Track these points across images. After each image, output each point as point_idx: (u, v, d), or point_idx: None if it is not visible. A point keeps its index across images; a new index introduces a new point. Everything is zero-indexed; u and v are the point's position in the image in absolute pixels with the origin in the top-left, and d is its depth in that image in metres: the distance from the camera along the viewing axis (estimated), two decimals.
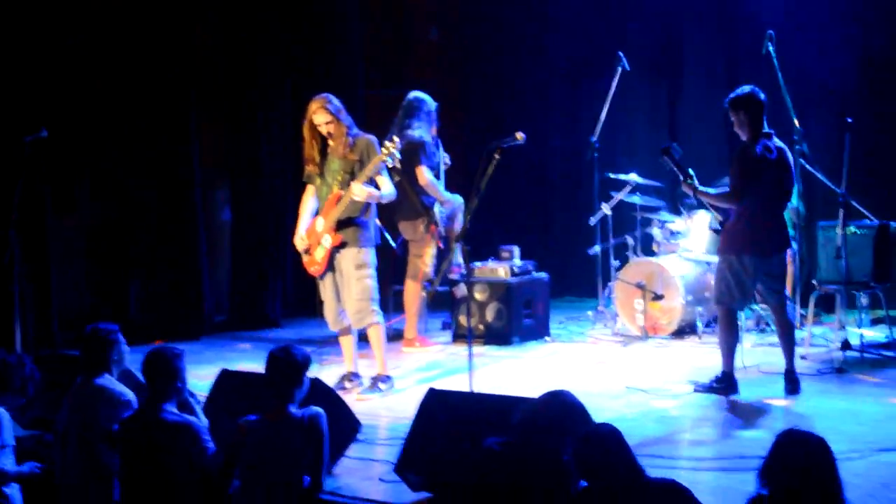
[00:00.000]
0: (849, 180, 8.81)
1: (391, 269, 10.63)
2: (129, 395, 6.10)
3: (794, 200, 9.66)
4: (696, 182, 7.80)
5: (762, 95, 7.81)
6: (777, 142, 7.79)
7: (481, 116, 13.06)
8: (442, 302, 11.02)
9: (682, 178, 7.82)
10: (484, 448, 4.98)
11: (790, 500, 4.10)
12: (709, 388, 7.88)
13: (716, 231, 8.20)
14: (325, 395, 6.18)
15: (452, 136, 10.79)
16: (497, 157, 7.23)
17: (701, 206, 8.98)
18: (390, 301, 10.62)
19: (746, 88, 7.82)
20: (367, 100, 12.27)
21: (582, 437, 4.55)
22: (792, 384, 7.79)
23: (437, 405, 5.81)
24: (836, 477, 4.11)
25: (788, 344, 7.88)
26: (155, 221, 11.36)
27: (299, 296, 12.06)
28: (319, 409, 5.58)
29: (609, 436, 4.54)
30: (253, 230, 11.97)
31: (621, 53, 10.73)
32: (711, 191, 7.90)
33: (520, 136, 7.46)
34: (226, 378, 6.80)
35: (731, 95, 7.84)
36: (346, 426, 6.32)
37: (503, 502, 4.85)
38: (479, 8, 13.52)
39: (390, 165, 8.31)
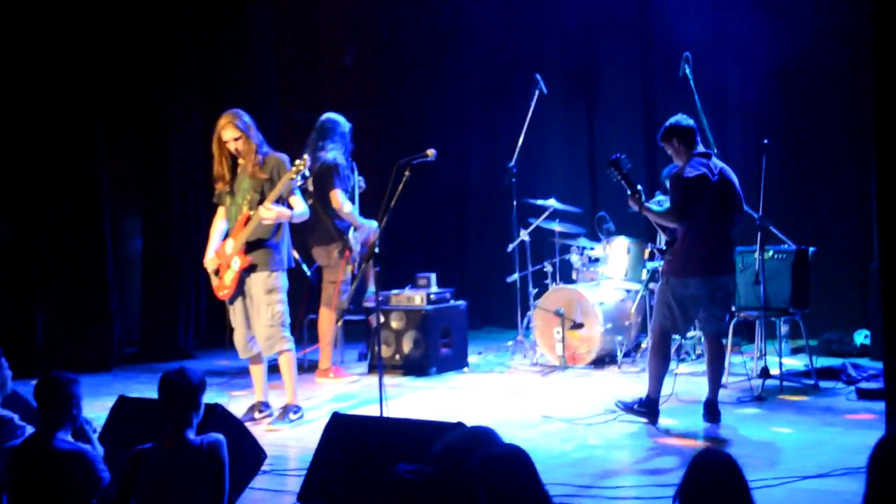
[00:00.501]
0: (766, 204, 8.71)
1: (305, 298, 10.37)
2: (13, 415, 5.81)
3: None
4: (643, 197, 7.64)
5: (689, 120, 7.73)
6: (717, 161, 7.69)
7: (398, 141, 12.86)
8: (358, 332, 10.78)
9: (629, 191, 7.64)
10: (393, 476, 4.74)
11: None
12: (630, 409, 7.70)
13: (660, 251, 8.02)
14: (226, 421, 5.89)
15: (369, 161, 10.59)
16: (407, 174, 7.05)
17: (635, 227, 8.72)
18: (304, 331, 10.33)
19: (673, 118, 7.74)
20: (282, 124, 12.07)
21: (487, 457, 4.33)
22: (712, 414, 7.63)
23: (343, 430, 5.55)
24: (749, 498, 3.95)
25: (716, 374, 7.76)
26: (61, 247, 11.04)
27: (212, 326, 11.73)
28: (219, 436, 5.30)
29: (516, 458, 4.31)
30: (164, 259, 11.69)
31: (538, 76, 10.63)
32: (656, 208, 7.73)
33: (430, 152, 7.30)
34: (123, 405, 6.47)
35: (660, 130, 7.76)
36: (249, 455, 6.04)
37: None
38: (394, 33, 13.40)
39: (299, 184, 8.06)
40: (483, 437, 4.67)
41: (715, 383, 7.71)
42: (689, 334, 9.76)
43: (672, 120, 7.73)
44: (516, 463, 4.27)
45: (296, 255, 9.03)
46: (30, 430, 5.72)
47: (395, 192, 7.02)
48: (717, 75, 10.70)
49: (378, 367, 7.10)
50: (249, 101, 9.27)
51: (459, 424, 5.07)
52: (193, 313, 11.85)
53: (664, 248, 7.78)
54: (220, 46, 12.20)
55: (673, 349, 9.81)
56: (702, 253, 7.53)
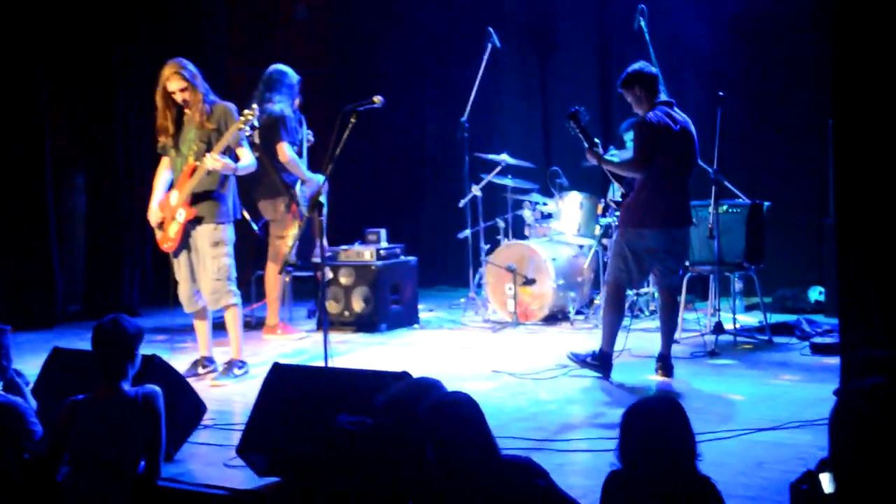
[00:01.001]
0: (721, 158, 8.55)
1: (253, 254, 10.16)
2: None
3: None
4: (600, 150, 7.48)
5: (652, 68, 7.58)
6: (679, 112, 7.51)
7: (349, 96, 12.59)
8: (307, 290, 10.59)
9: (586, 144, 7.48)
10: (334, 426, 4.57)
11: (640, 470, 3.86)
12: (583, 361, 7.55)
13: (616, 203, 7.84)
14: (163, 373, 5.72)
15: (321, 118, 10.33)
16: (353, 120, 6.82)
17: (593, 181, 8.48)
18: (252, 287, 10.13)
19: (635, 65, 7.55)
20: (230, 77, 11.80)
21: (434, 404, 4.19)
22: (665, 369, 7.49)
23: (284, 380, 5.36)
24: (691, 439, 3.83)
25: (669, 328, 7.61)
26: (2, 204, 10.76)
27: (159, 283, 11.50)
28: (155, 387, 5.13)
29: (464, 403, 4.17)
30: (108, 215, 11.45)
31: (491, 29, 10.43)
32: (616, 159, 7.57)
33: (377, 99, 7.08)
34: (57, 357, 6.26)
35: (621, 76, 7.55)
36: (188, 408, 5.89)
37: (354, 487, 4.43)
38: None
39: (248, 134, 7.83)
40: (428, 388, 4.52)
41: (668, 337, 7.58)
42: (643, 290, 9.66)
43: (635, 66, 7.53)
44: (464, 409, 4.14)
45: (245, 214, 8.83)
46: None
47: (341, 139, 6.78)
48: (673, 27, 10.54)
49: (324, 321, 6.90)
50: (198, 54, 9.00)
51: (404, 374, 4.90)
52: (139, 270, 11.63)
53: (620, 200, 7.64)
54: (168, 8, 11.91)
55: (626, 305, 9.74)
56: (660, 204, 7.38)
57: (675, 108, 7.51)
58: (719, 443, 5.71)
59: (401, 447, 4.31)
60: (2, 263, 10.83)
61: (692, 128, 7.54)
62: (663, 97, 7.48)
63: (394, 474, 4.31)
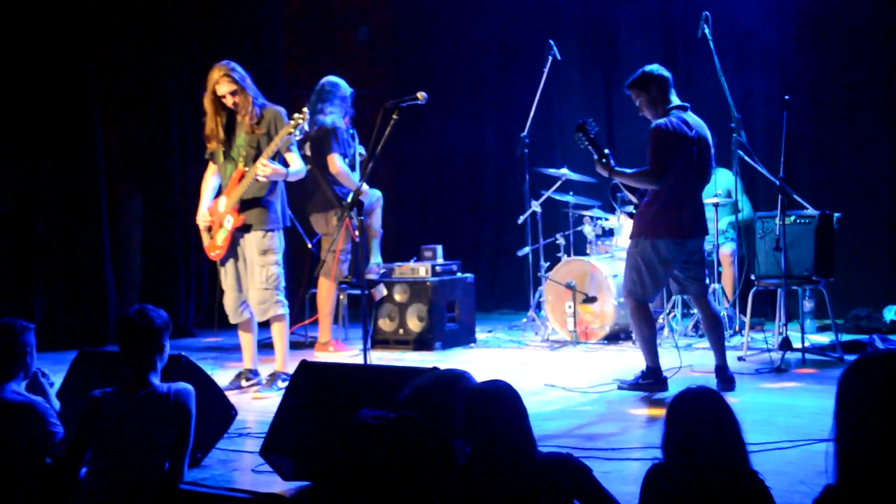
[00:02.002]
0: (788, 166, 8.17)
1: (307, 271, 9.95)
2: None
3: (740, 199, 9.11)
4: (611, 161, 7.15)
5: (662, 70, 7.22)
6: (694, 116, 7.17)
7: (413, 116, 12.42)
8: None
9: (595, 156, 7.17)
10: (355, 421, 4.29)
11: (686, 464, 3.54)
12: (634, 385, 7.22)
13: (630, 216, 7.48)
14: (192, 375, 5.46)
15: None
16: (395, 117, 6.57)
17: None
18: (306, 305, 9.91)
19: (647, 67, 7.24)
20: (289, 99, 11.64)
21: (474, 389, 3.92)
22: (725, 381, 7.11)
23: (311, 378, 5.09)
24: (738, 431, 3.52)
25: (717, 337, 7.23)
26: (59, 225, 10.74)
27: (213, 306, 11.35)
28: (188, 385, 4.88)
29: (504, 391, 3.92)
30: (165, 234, 11.33)
31: (552, 42, 10.16)
32: (628, 170, 7.19)
33: (421, 95, 6.82)
34: (85, 358, 6.04)
35: (634, 75, 7.25)
36: (218, 412, 5.63)
37: (377, 484, 4.14)
38: (409, 4, 12.98)
39: (297, 138, 7.62)
40: (456, 378, 4.25)
41: (719, 347, 7.20)
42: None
43: (648, 67, 7.21)
44: (504, 397, 3.91)
45: (298, 228, 8.62)
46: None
47: (382, 136, 6.54)
48: (740, 32, 10.23)
49: (363, 318, 6.63)
50: (255, 75, 8.86)
51: (433, 369, 4.61)
52: (194, 292, 11.48)
53: (632, 211, 7.31)
54: (225, 17, 11.82)
55: (690, 325, 9.39)
56: (675, 214, 7.05)
57: (690, 112, 7.18)
58: (780, 452, 5.38)
59: (426, 440, 4.02)
60: (57, 282, 10.73)
61: (708, 133, 7.22)
62: (676, 101, 7.16)
63: (418, 469, 4.02)
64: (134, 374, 4.85)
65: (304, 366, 5.19)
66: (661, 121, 7.01)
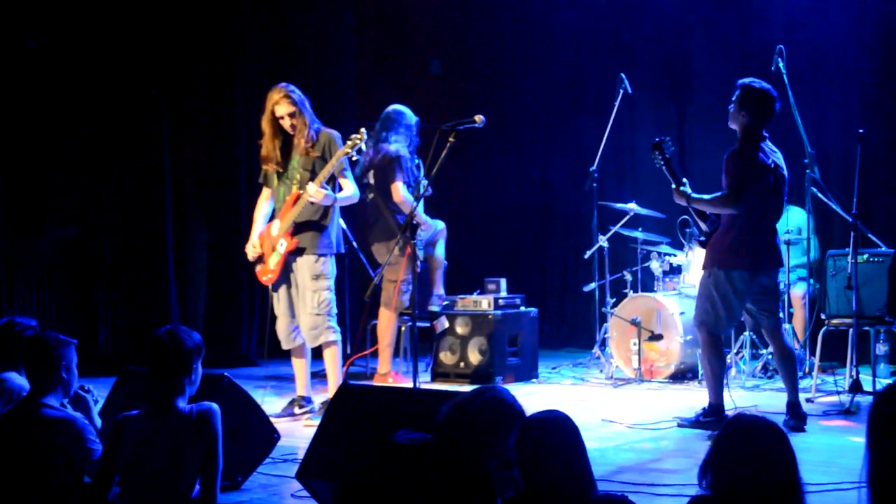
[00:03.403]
0: (861, 202, 7.91)
1: (370, 302, 9.82)
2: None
3: (810, 237, 8.85)
4: (688, 189, 6.96)
5: (774, 100, 6.97)
6: (772, 146, 6.99)
7: (480, 148, 12.34)
8: (423, 338, 10.19)
9: (673, 184, 6.99)
10: (391, 443, 4.14)
11: (736, 497, 3.26)
12: (695, 423, 6.99)
13: (701, 244, 7.26)
14: (234, 396, 5.38)
15: (450, 166, 10.01)
16: (451, 140, 6.44)
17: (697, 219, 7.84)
18: (367, 335, 9.77)
19: (761, 82, 6.98)
20: (357, 130, 11.56)
21: (534, 416, 3.75)
22: (797, 418, 6.87)
23: (351, 402, 4.94)
24: (794, 467, 3.26)
25: (790, 372, 6.98)
26: (124, 249, 10.80)
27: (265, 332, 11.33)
28: (212, 404, 4.72)
29: (561, 421, 3.71)
30: (230, 262, 11.25)
31: (623, 75, 9.99)
32: (706, 196, 6.98)
33: (479, 118, 6.68)
34: (128, 377, 5.96)
35: (747, 84, 6.96)
36: (260, 435, 5.51)
37: None
38: (479, 37, 12.94)
39: (353, 159, 7.53)
40: (498, 400, 4.06)
41: (792, 383, 6.96)
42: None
43: (764, 84, 6.96)
44: (562, 429, 3.70)
45: (361, 257, 8.51)
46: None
47: (438, 158, 6.42)
48: (815, 64, 9.99)
49: (413, 346, 6.47)
50: (326, 107, 8.78)
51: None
52: (258, 321, 11.40)
53: (704, 239, 7.08)
54: (297, 46, 11.82)
55: (759, 366, 9.11)
56: (750, 243, 6.86)
57: (769, 142, 6.98)
58: (839, 493, 5.14)
59: (461, 462, 3.85)
60: (121, 308, 10.78)
61: (784, 164, 7.02)
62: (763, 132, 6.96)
63: (455, 492, 3.85)
64: (161, 396, 4.72)
65: (345, 388, 5.06)
66: (737, 147, 6.86)
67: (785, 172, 7.01)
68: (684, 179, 7.04)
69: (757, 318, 7.13)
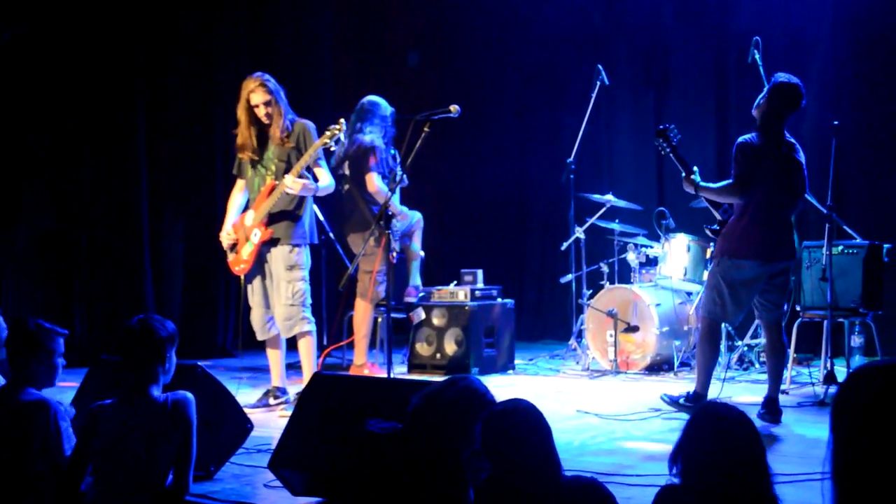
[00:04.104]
0: (837, 194, 7.91)
1: (345, 294, 9.79)
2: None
3: None
4: (698, 177, 6.96)
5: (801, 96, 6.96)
6: (788, 136, 6.95)
7: (458, 139, 12.33)
8: (402, 335, 10.19)
9: (683, 172, 6.98)
10: (362, 432, 4.12)
11: (702, 484, 3.28)
12: (676, 403, 7.00)
13: (713, 232, 7.24)
14: (208, 386, 5.36)
15: (427, 158, 10.01)
16: (426, 129, 6.43)
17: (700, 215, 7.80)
18: (344, 327, 9.76)
19: (800, 83, 6.95)
20: (334, 121, 11.55)
21: (496, 407, 3.76)
22: (772, 413, 6.86)
23: (323, 392, 4.93)
24: (762, 455, 3.28)
25: (777, 368, 7.00)
26: (101, 242, 10.78)
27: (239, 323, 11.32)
28: (187, 393, 4.72)
29: (524, 410, 3.72)
30: (206, 254, 11.19)
31: (600, 67, 9.98)
32: (713, 185, 6.97)
33: (454, 108, 6.71)
34: (101, 366, 5.93)
35: (783, 77, 6.94)
36: (233, 425, 5.49)
37: (391, 498, 3.96)
38: (456, 28, 12.95)
39: (332, 149, 7.52)
40: (470, 389, 4.06)
41: (776, 379, 6.97)
42: (754, 341, 9.07)
43: (794, 79, 6.92)
44: (531, 416, 3.70)
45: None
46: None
47: (413, 148, 6.41)
48: (791, 57, 10.02)
49: (387, 337, 6.46)
50: (302, 100, 8.75)
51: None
52: (234, 313, 11.37)
53: (717, 227, 7.08)
54: (273, 38, 11.80)
55: (735, 357, 9.13)
56: (760, 234, 6.81)
57: (787, 134, 6.95)
58: (812, 483, 5.12)
59: (432, 450, 3.85)
60: (97, 298, 10.76)
61: (801, 155, 6.96)
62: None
63: (427, 480, 3.84)
64: (134, 384, 4.70)
65: (317, 378, 5.05)
66: (747, 136, 6.85)
67: (802, 165, 6.94)
68: (694, 168, 7.02)
69: (759, 310, 7.12)
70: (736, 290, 6.87)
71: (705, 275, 9.11)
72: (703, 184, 6.99)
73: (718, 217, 7.10)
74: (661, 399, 7.13)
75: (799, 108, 6.98)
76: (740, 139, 6.90)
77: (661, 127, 7.03)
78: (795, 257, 7.13)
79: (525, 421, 3.69)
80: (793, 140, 6.99)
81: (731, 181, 6.86)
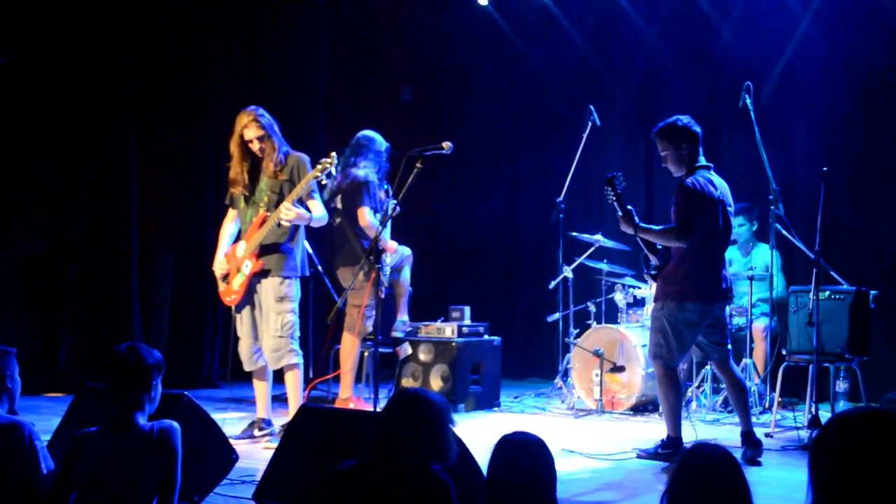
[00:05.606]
0: (826, 241, 7.96)
1: (332, 327, 9.78)
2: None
3: (776, 275, 8.90)
4: (636, 218, 7.00)
5: (695, 125, 7.08)
6: (718, 178, 7.06)
7: (449, 175, 12.38)
8: (385, 363, 10.18)
9: (619, 213, 7.03)
10: (336, 469, 4.11)
11: None
12: (653, 455, 7.04)
13: (651, 277, 7.30)
14: (194, 415, 5.34)
15: (420, 195, 10.04)
16: (419, 165, 6.46)
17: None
18: (330, 360, 9.75)
19: (682, 118, 7.08)
20: (327, 154, 11.58)
21: (508, 438, 3.82)
22: (752, 446, 6.94)
23: (309, 424, 4.93)
24: (748, 497, 3.30)
25: (742, 403, 7.07)
26: (89, 269, 10.79)
27: (227, 353, 11.30)
28: (173, 422, 4.71)
29: (537, 446, 3.78)
30: (195, 284, 11.23)
31: (592, 107, 10.03)
32: (655, 227, 7.05)
33: (446, 145, 6.74)
34: (87, 394, 5.92)
35: (662, 124, 7.10)
36: (219, 455, 5.47)
37: None
38: (450, 65, 13.02)
39: (323, 183, 7.54)
40: (416, 397, 4.02)
41: (744, 413, 7.04)
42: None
43: (684, 119, 7.06)
44: (539, 451, 3.79)
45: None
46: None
47: (405, 184, 6.44)
48: (782, 103, 10.10)
49: (374, 370, 6.46)
50: (296, 133, 8.78)
51: None
52: (220, 343, 11.35)
53: (654, 272, 7.13)
54: (268, 72, 11.84)
55: (719, 400, 9.15)
56: (703, 276, 6.94)
57: (713, 172, 7.06)
58: None
59: (408, 470, 3.84)
60: (85, 327, 10.78)
61: (730, 197, 7.10)
62: (703, 160, 7.03)
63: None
64: (121, 412, 4.70)
65: (304, 411, 5.05)
66: (690, 179, 6.90)
67: (731, 205, 7.07)
68: (629, 207, 7.08)
69: (706, 351, 7.21)
70: (681, 331, 6.96)
71: None
72: (643, 225, 7.07)
73: (655, 262, 7.13)
74: (638, 457, 7.13)
75: (700, 133, 7.05)
76: (683, 182, 6.95)
77: (609, 175, 7.10)
78: (733, 299, 7.26)
79: (536, 455, 3.73)
80: (722, 180, 7.08)
81: (675, 225, 6.94)
